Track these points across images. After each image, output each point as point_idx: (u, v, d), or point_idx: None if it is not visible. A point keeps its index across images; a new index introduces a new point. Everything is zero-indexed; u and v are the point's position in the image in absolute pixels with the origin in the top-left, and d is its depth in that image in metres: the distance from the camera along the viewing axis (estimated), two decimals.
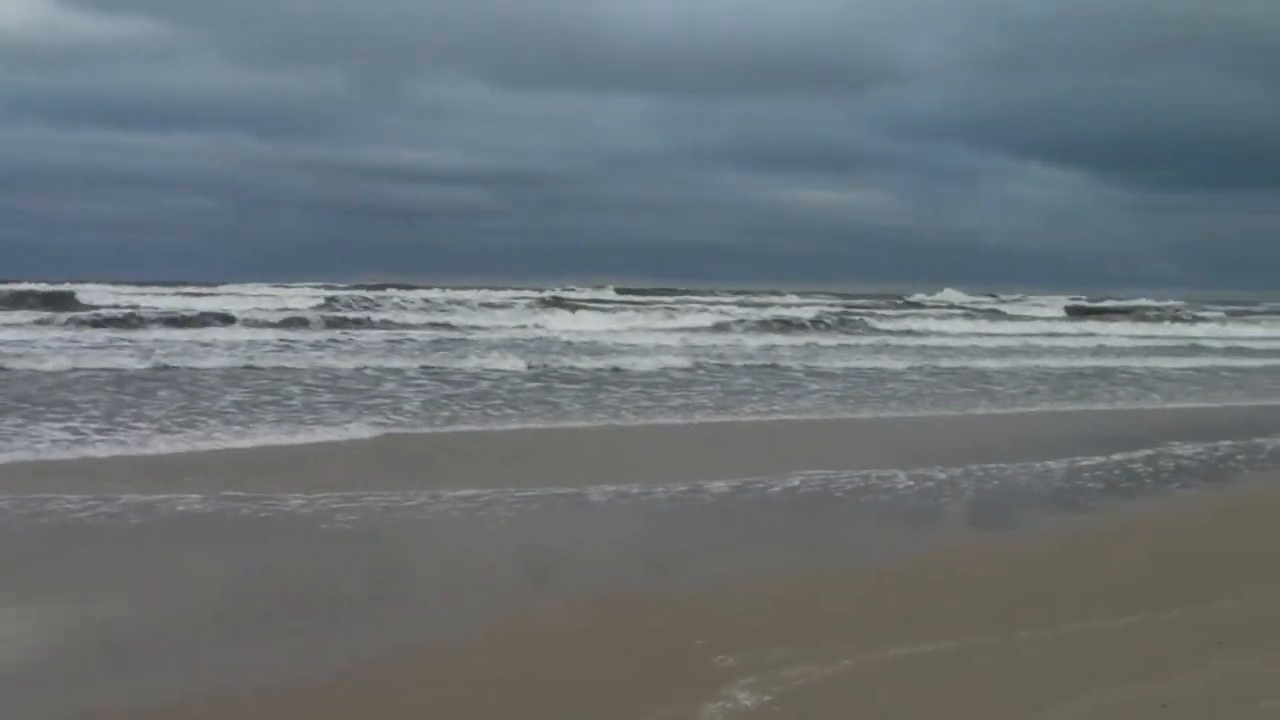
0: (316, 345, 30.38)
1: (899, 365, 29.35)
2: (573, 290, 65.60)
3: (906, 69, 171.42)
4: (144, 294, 48.67)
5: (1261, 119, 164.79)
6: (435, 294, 54.35)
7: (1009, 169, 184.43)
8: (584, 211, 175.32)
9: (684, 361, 28.28)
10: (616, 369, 25.94)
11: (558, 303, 53.25)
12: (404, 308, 45.67)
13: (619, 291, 68.04)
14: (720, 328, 43.08)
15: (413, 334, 35.60)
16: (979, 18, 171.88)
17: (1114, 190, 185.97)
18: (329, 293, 52.19)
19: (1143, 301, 71.81)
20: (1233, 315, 66.57)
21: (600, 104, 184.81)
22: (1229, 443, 16.56)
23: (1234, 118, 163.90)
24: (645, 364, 26.99)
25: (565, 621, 8.02)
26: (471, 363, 26.04)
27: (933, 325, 47.70)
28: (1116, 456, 15.03)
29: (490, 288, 63.29)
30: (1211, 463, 15.04)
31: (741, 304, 60.34)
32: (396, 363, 25.76)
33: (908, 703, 6.52)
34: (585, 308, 50.90)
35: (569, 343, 34.19)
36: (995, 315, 59.82)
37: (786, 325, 45.15)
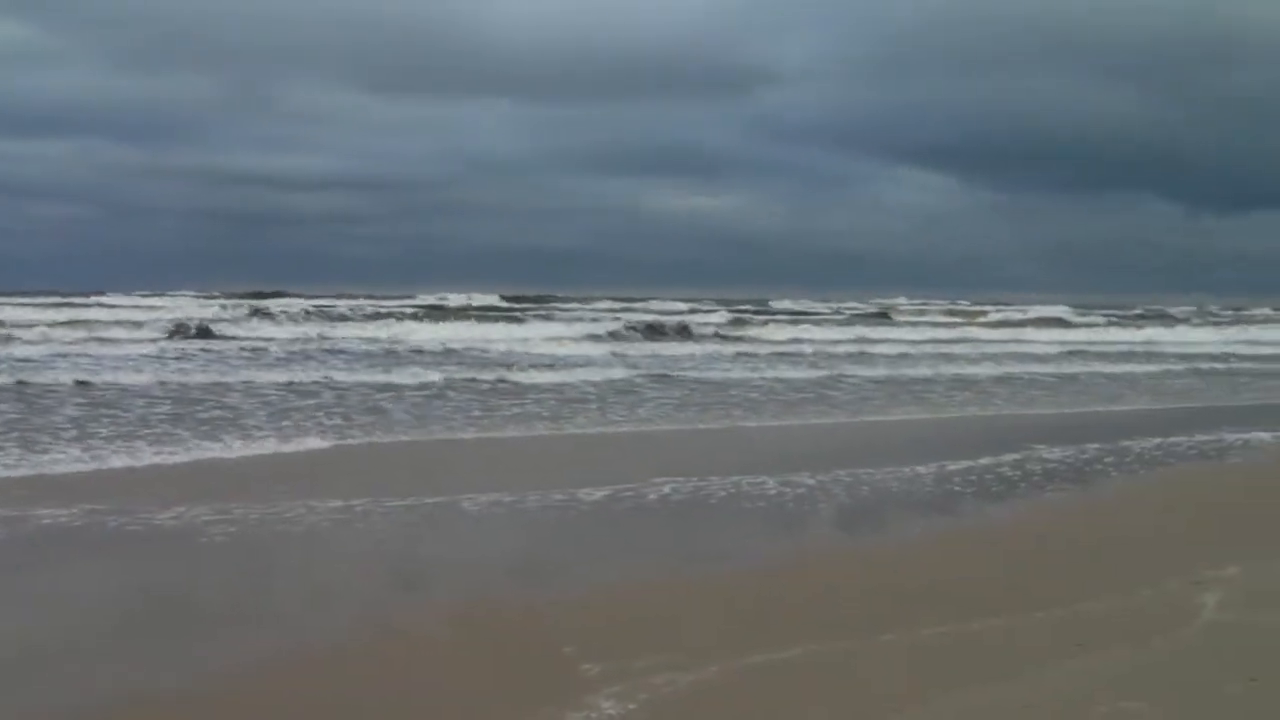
0: (183, 355, 29.77)
1: (796, 374, 29.42)
2: (446, 299, 65.04)
3: (780, 73, 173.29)
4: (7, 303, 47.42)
5: (1128, 124, 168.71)
6: (307, 303, 53.71)
7: (881, 173, 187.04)
8: (454, 218, 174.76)
9: (619, 373, 28.04)
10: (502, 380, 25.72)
11: (457, 312, 52.92)
12: (273, 316, 44.94)
13: (505, 299, 67.53)
14: (615, 335, 42.84)
15: (289, 344, 34.84)
16: (853, 22, 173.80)
17: (983, 194, 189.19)
18: (206, 302, 51.43)
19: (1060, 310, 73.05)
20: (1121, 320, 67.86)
21: (471, 109, 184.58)
22: (1096, 446, 16.80)
23: (1101, 123, 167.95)
24: (586, 374, 26.79)
25: (433, 631, 7.96)
26: (355, 377, 25.58)
27: (817, 333, 47.79)
28: (984, 461, 15.19)
29: (368, 296, 62.87)
30: (1078, 466, 15.24)
31: (626, 309, 60.42)
32: (272, 376, 25.07)
33: (772, 708, 6.52)
34: (483, 316, 50.54)
35: (484, 352, 33.96)
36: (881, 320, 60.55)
37: (685, 331, 45.42)
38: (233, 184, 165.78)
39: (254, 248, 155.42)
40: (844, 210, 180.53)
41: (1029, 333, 52.91)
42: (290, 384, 23.40)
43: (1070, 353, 40.76)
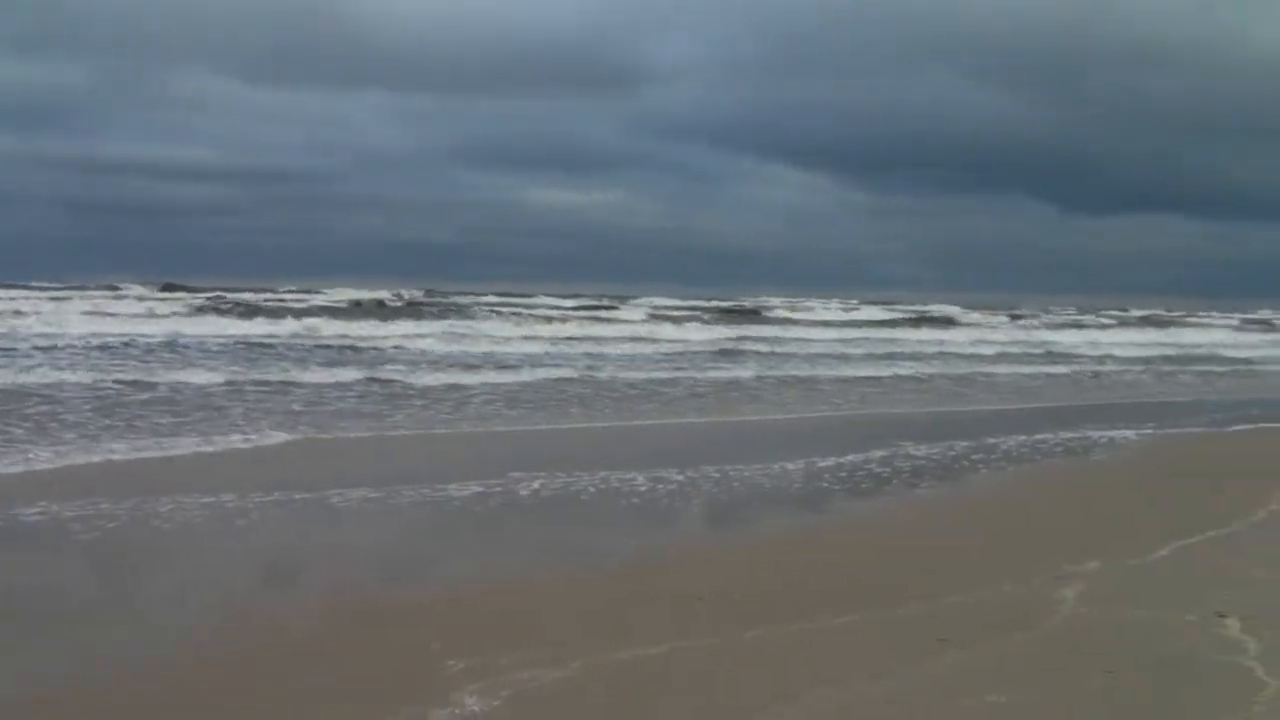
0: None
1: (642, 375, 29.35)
2: (320, 293, 64.12)
3: (659, 70, 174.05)
4: None
5: (1004, 126, 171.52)
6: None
7: (758, 172, 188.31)
8: (333, 210, 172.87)
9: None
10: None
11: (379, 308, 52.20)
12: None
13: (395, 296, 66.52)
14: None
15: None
16: (734, 21, 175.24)
17: (858, 193, 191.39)
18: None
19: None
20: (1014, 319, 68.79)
21: (353, 101, 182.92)
22: (964, 443, 17.01)
23: (977, 124, 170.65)
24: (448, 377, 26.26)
25: (297, 628, 7.86)
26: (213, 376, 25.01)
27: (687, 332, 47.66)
28: (852, 458, 15.29)
29: (252, 290, 61.89)
30: (945, 463, 15.40)
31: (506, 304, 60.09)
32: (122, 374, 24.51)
33: (636, 704, 6.51)
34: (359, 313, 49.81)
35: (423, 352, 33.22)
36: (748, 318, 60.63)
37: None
38: (108, 173, 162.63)
39: (129, 238, 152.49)
40: (720, 208, 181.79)
41: (906, 331, 53.34)
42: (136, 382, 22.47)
43: (944, 353, 41.19)
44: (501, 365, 29.11)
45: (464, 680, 6.68)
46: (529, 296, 69.04)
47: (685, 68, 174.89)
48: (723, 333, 45.89)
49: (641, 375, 28.09)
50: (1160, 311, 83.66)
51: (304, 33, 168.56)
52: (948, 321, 64.28)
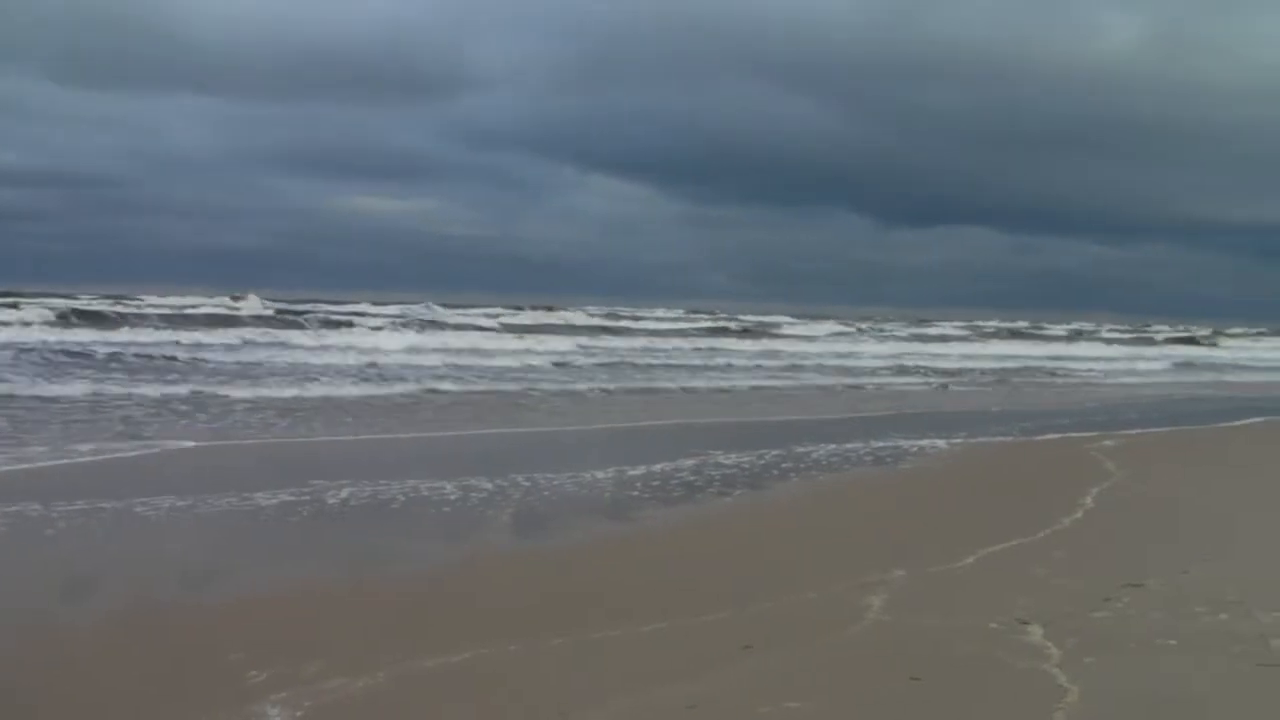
0: None
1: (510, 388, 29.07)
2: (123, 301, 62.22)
3: (479, 77, 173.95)
4: None
5: (825, 138, 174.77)
6: None
7: (576, 180, 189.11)
8: (140, 215, 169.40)
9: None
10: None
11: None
12: None
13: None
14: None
15: None
16: (555, 28, 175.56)
17: (678, 204, 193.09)
18: None
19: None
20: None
21: (165, 105, 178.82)
22: (775, 452, 17.00)
23: (799, 136, 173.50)
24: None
25: (95, 638, 7.68)
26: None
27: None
28: (662, 467, 15.25)
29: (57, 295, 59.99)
30: (755, 471, 15.38)
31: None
32: None
33: (441, 713, 6.49)
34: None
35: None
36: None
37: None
38: None
39: None
40: (537, 217, 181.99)
41: (723, 341, 53.64)
42: None
43: (760, 365, 41.46)
44: (328, 376, 28.82)
45: (266, 691, 6.59)
46: (350, 304, 68.06)
47: (505, 75, 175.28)
48: (553, 344, 45.61)
49: (464, 388, 28.08)
50: (961, 324, 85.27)
51: (115, 34, 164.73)
52: (762, 332, 64.83)
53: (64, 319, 43.30)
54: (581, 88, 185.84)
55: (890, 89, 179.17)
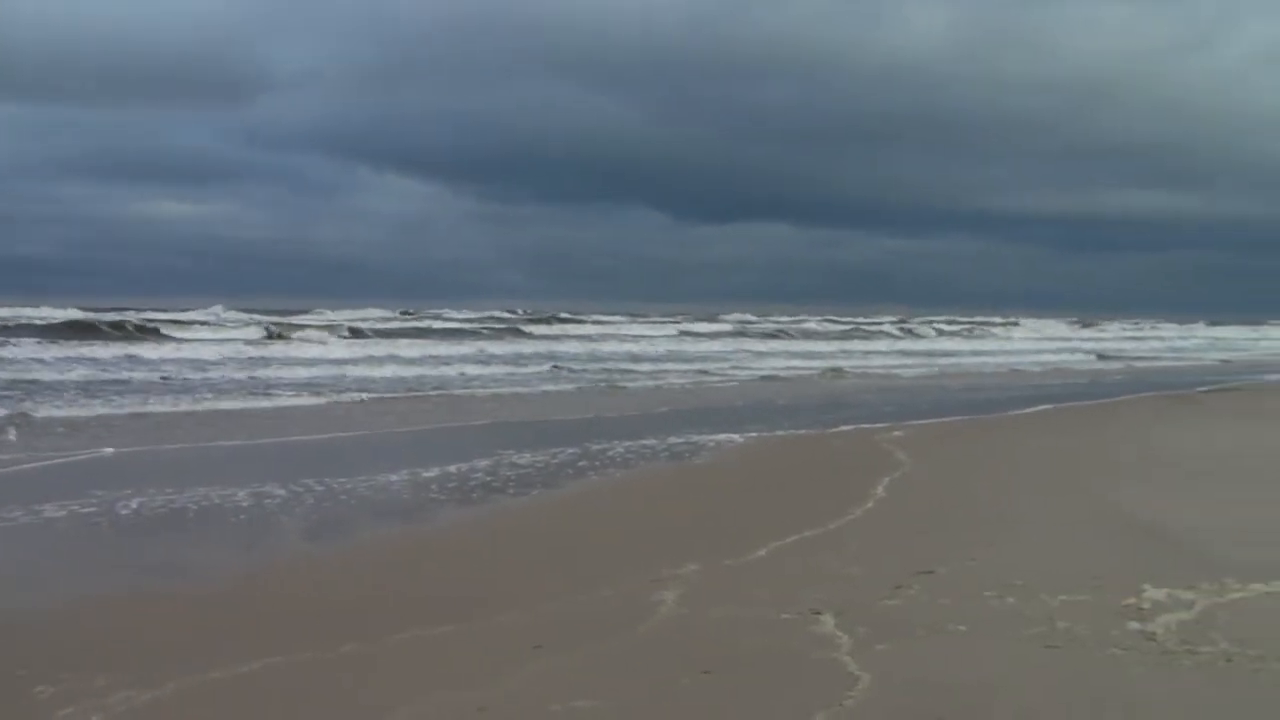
0: None
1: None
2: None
3: (275, 79, 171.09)
4: None
5: (624, 135, 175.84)
6: None
7: (372, 181, 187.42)
8: None
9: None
10: None
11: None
12: None
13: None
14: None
15: None
16: (350, 29, 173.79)
17: (473, 202, 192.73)
18: None
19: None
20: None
21: None
22: (569, 451, 16.95)
23: (598, 133, 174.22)
24: None
25: None
26: None
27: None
28: (455, 468, 15.14)
29: None
30: (549, 470, 15.34)
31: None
32: None
33: None
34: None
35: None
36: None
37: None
38: None
39: None
40: (332, 218, 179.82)
41: (517, 344, 53.18)
42: None
43: (556, 366, 41.24)
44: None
45: (53, 706, 6.45)
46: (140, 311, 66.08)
47: (302, 76, 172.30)
48: (356, 349, 44.92)
49: (264, 399, 27.51)
50: (751, 317, 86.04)
51: None
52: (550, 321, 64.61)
53: None
54: (379, 88, 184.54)
55: (693, 85, 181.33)
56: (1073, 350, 64.46)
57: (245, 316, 61.61)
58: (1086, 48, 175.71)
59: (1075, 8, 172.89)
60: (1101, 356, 59.61)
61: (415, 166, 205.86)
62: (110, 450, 16.80)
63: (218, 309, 65.89)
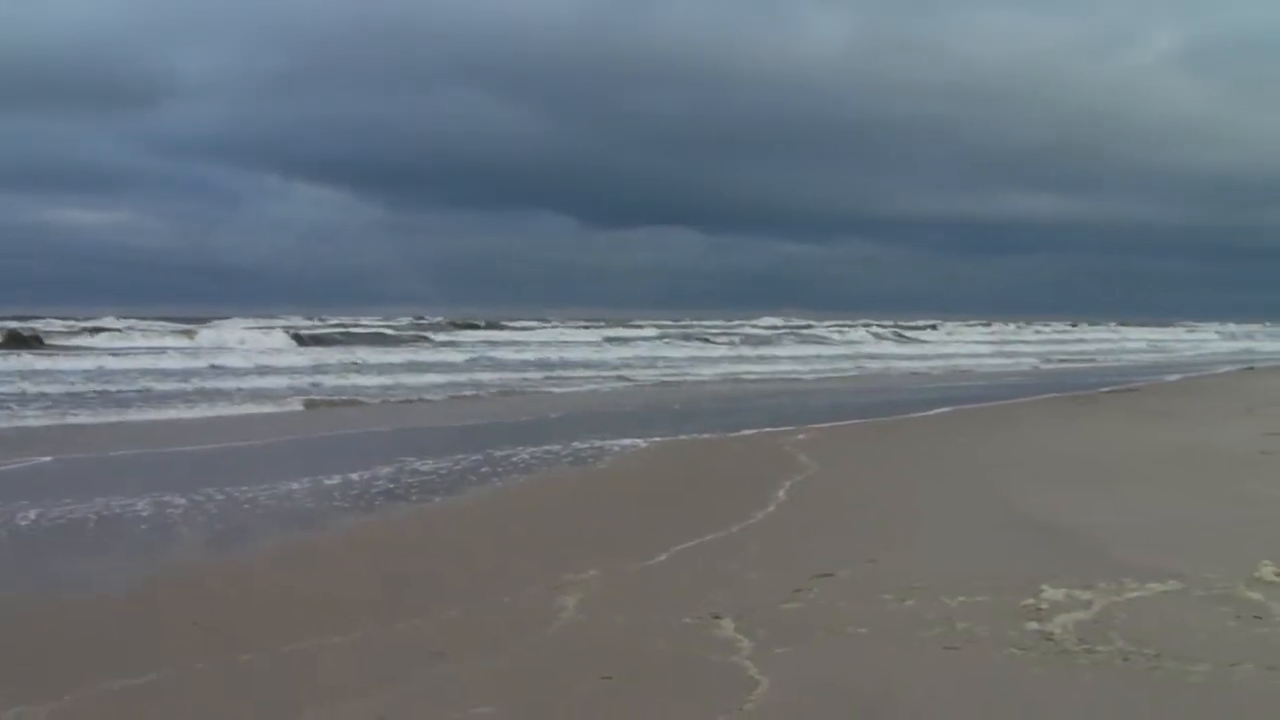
0: None
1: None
2: None
3: (177, 85, 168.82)
4: None
5: (528, 142, 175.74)
6: None
7: (276, 188, 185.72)
8: None
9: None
10: None
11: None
12: None
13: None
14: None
15: None
16: (255, 35, 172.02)
17: (378, 210, 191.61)
18: None
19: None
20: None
21: None
22: (471, 456, 16.87)
23: (502, 140, 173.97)
24: None
25: None
26: None
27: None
28: (358, 475, 15.03)
29: None
30: (452, 476, 15.27)
31: None
32: None
33: None
34: None
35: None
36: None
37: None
38: None
39: None
40: (236, 226, 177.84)
41: (424, 352, 52.79)
42: None
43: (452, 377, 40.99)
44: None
45: None
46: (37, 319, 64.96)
47: (203, 82, 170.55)
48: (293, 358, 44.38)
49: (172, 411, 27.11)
50: (666, 321, 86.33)
51: None
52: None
53: None
54: (283, 94, 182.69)
55: (598, 92, 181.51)
56: (1009, 354, 64.70)
57: (146, 325, 60.87)
58: (980, 54, 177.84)
59: (969, 13, 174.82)
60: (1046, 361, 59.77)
61: (323, 174, 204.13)
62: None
63: (110, 318, 65.10)
